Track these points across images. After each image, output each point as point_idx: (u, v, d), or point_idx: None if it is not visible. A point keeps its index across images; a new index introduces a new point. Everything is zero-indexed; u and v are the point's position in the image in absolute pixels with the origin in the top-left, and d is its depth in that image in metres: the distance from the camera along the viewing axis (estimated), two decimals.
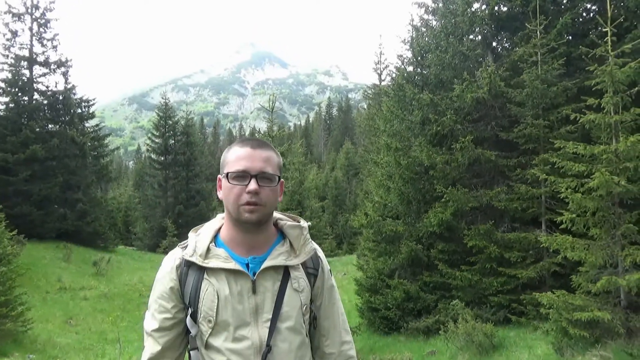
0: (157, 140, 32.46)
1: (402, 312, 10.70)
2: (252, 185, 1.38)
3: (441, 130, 11.07)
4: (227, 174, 1.41)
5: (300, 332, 1.46)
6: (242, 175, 1.39)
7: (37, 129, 22.34)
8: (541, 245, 8.52)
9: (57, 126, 23.63)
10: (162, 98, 33.10)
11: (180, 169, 31.50)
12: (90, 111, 26.03)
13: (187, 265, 1.43)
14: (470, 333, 8.10)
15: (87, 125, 26.11)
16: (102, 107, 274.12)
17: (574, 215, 7.36)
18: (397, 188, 11.60)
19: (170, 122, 32.36)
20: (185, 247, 1.47)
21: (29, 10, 22.91)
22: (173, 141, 32.16)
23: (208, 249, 1.43)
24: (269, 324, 1.40)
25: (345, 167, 42.69)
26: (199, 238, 1.47)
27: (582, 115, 7.50)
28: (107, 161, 27.69)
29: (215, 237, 1.48)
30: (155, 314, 1.45)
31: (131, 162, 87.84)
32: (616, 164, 7.02)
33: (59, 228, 20.92)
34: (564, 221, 7.47)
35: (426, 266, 11.21)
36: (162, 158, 32.21)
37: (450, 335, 8.52)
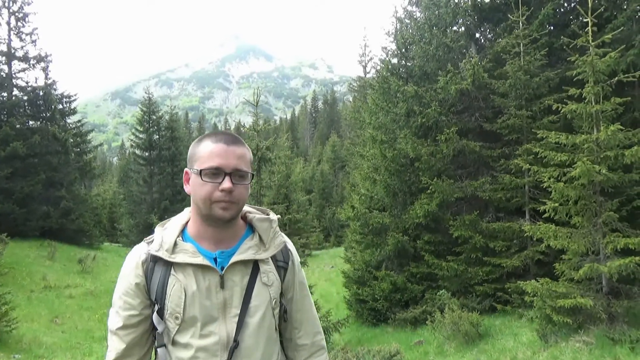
0: (141, 136, 32.04)
1: (390, 303, 10.78)
2: (227, 183, 1.35)
3: (426, 122, 11.13)
4: (200, 170, 1.37)
5: (269, 326, 1.45)
6: (216, 173, 1.36)
7: (17, 126, 21.86)
8: (525, 235, 8.64)
9: (38, 122, 23.15)
10: (146, 93, 32.65)
11: (165, 165, 31.16)
12: (72, 107, 25.55)
13: (154, 261, 1.40)
14: (457, 322, 8.20)
15: (69, 121, 25.64)
16: (84, 102, 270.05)
17: (556, 204, 7.48)
18: (383, 180, 11.64)
19: (154, 117, 31.95)
20: (151, 241, 1.43)
21: (6, 4, 22.35)
22: (157, 136, 31.79)
23: (175, 244, 1.40)
24: (237, 319, 1.39)
25: (332, 160, 42.71)
26: (165, 232, 1.44)
27: (564, 106, 7.59)
28: (90, 157, 27.24)
29: (182, 231, 1.45)
30: (120, 311, 1.41)
31: (115, 158, 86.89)
32: (597, 153, 7.14)
33: (42, 226, 20.59)
34: (546, 210, 7.59)
35: (413, 257, 11.30)
36: (147, 154, 31.82)
37: (437, 325, 8.61)
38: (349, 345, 9.46)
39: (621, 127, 6.99)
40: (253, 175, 1.44)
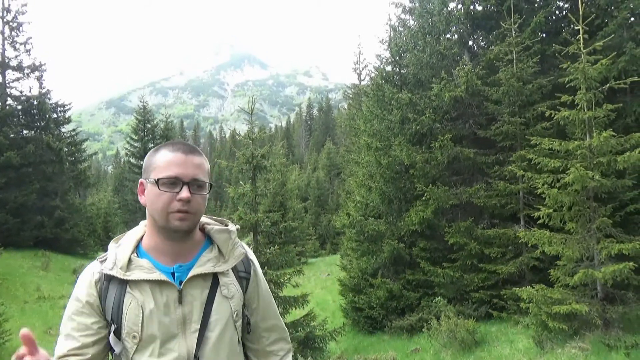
0: (136, 145, 32.06)
1: (386, 311, 10.76)
2: (185, 193, 1.31)
3: (420, 129, 11.17)
4: (158, 180, 1.32)
5: (230, 340, 1.41)
6: (174, 182, 1.32)
7: (12, 135, 21.86)
8: (520, 241, 8.67)
9: (32, 132, 23.15)
10: (141, 101, 32.73)
11: None
12: (67, 116, 25.56)
13: (107, 280, 1.35)
14: (453, 330, 8.19)
15: (63, 130, 25.64)
16: (79, 111, 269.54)
17: (550, 210, 7.51)
18: (378, 187, 11.67)
19: (149, 126, 32.00)
20: (105, 260, 1.38)
21: (0, 14, 22.40)
22: (152, 145, 31.77)
23: (130, 261, 1.35)
24: (197, 334, 1.34)
25: (327, 168, 42.73)
26: (119, 249, 1.38)
27: (556, 112, 7.66)
28: (85, 166, 27.20)
29: (137, 247, 1.40)
30: (74, 332, 1.34)
31: (110, 167, 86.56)
32: (590, 159, 7.19)
33: (36, 236, 20.48)
34: (541, 216, 7.62)
35: (408, 264, 11.30)
36: (142, 162, 31.81)
37: (433, 332, 8.60)
38: (345, 354, 9.42)
39: (613, 133, 7.05)
40: (211, 185, 1.41)
